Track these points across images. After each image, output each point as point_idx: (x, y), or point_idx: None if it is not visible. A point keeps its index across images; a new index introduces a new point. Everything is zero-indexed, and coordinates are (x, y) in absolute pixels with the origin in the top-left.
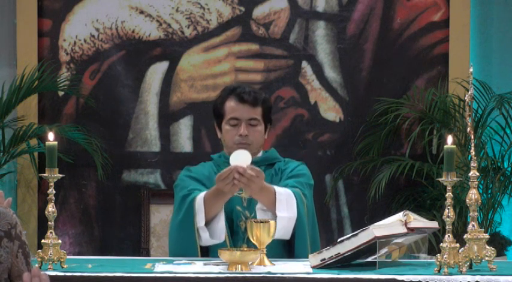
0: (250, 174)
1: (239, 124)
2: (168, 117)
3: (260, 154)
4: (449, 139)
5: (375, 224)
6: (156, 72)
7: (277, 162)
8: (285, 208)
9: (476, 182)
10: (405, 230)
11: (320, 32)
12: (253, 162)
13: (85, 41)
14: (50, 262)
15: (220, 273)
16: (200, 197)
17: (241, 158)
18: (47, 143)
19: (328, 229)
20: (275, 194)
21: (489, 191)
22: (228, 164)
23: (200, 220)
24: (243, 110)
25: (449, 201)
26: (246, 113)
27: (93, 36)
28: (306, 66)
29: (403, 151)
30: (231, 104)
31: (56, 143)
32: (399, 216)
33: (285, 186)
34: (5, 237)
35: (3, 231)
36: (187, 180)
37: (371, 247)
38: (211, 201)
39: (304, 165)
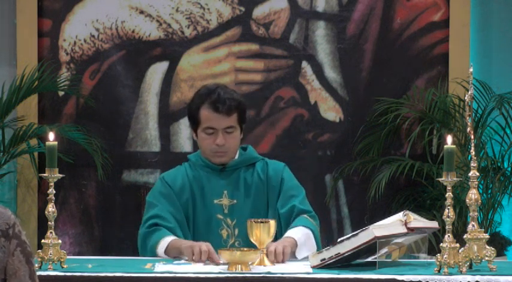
0: (284, 256)
1: (215, 133)
2: (168, 117)
3: (237, 156)
4: (449, 139)
5: (375, 224)
6: (156, 72)
7: (256, 162)
8: (305, 251)
9: (476, 182)
10: (405, 230)
11: (320, 32)
12: (231, 166)
13: (85, 41)
14: (50, 262)
15: (220, 273)
16: (162, 246)
17: None
18: (47, 143)
19: (328, 229)
20: (297, 246)
21: (489, 191)
22: (205, 166)
23: (161, 256)
24: (218, 119)
25: (449, 201)
26: (221, 122)
27: (93, 36)
28: (306, 66)
29: (403, 151)
30: (205, 113)
31: (56, 143)
32: (399, 216)
33: (290, 211)
34: (2, 236)
35: (1, 231)
36: (157, 197)
37: (371, 247)
38: (173, 252)
39: (287, 168)
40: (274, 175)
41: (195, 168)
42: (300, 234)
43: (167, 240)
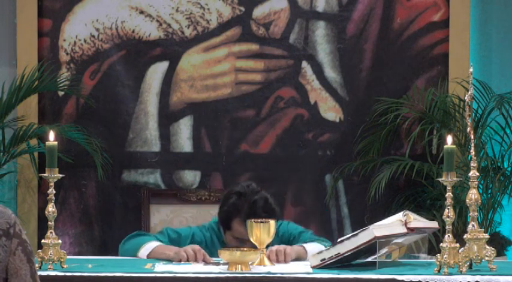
0: (286, 256)
1: (244, 241)
2: (168, 117)
3: None
4: (449, 139)
5: (375, 224)
6: (156, 72)
7: None
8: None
9: (476, 182)
10: (405, 230)
11: (320, 32)
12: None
13: (85, 41)
14: (50, 262)
15: (220, 273)
16: (142, 253)
17: None
18: (47, 143)
19: (328, 229)
20: (306, 253)
21: (489, 191)
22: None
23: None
24: None
25: (449, 201)
26: None
27: (93, 36)
28: (306, 66)
29: (403, 151)
30: (238, 227)
31: (56, 143)
32: (399, 216)
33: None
34: (3, 236)
35: (2, 230)
36: (173, 235)
37: (371, 247)
38: (155, 256)
39: (291, 223)
40: (285, 234)
41: (216, 234)
42: (311, 246)
43: (156, 243)
